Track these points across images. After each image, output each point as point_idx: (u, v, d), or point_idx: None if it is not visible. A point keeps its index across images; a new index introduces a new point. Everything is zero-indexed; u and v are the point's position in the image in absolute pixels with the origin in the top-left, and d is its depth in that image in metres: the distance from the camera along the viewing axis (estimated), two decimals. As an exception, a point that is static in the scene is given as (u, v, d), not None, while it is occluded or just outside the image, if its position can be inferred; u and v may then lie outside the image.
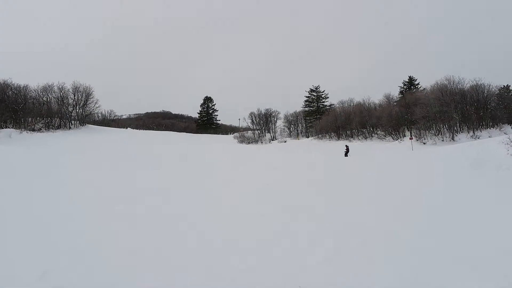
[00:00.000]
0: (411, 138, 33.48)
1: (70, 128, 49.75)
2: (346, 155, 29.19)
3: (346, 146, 31.64)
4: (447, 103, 36.88)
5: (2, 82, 45.24)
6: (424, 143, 36.03)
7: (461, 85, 38.83)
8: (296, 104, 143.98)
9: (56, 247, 4.53)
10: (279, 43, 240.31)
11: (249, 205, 8.56)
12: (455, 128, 36.72)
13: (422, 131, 38.74)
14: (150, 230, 5.94)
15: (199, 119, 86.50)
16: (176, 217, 7.12)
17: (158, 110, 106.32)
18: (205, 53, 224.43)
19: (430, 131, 38.65)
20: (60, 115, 49.64)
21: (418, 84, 61.19)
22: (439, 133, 37.76)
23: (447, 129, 37.24)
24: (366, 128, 48.87)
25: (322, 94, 72.73)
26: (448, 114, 36.57)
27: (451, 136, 35.63)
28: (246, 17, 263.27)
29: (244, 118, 78.45)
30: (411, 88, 59.45)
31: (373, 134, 47.35)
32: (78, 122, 52.57)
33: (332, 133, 52.79)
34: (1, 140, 33.72)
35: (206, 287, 3.82)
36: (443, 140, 35.34)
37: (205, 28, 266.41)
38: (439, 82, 40.68)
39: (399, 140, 39.93)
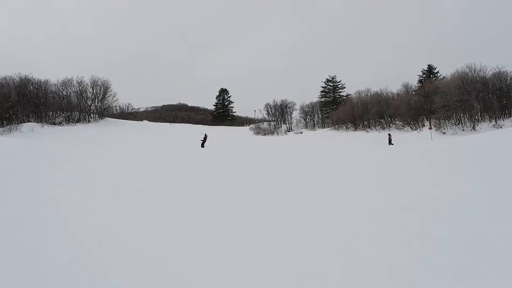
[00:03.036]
0: (430, 128, 32.93)
1: (89, 121, 50.93)
2: (389, 143, 26.41)
3: (389, 135, 28.95)
4: (468, 91, 36.05)
5: (23, 77, 46.64)
6: (444, 133, 35.49)
7: (483, 73, 37.91)
8: (312, 95, 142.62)
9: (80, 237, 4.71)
10: (296, 33, 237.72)
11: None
12: (476, 117, 35.92)
13: (441, 121, 38.04)
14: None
15: (215, 111, 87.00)
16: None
17: (174, 102, 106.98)
18: (220, 44, 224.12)
19: (450, 121, 37.95)
20: (79, 108, 50.87)
21: (437, 72, 59.84)
22: (459, 122, 37.05)
23: (468, 119, 36.51)
24: (384, 118, 48.24)
25: (339, 85, 71.92)
26: (469, 103, 35.81)
27: (472, 126, 34.94)
28: (259, 8, 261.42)
29: (260, 110, 78.41)
30: (430, 77, 58.13)
31: (391, 125, 46.74)
32: (97, 115, 53.64)
33: (349, 123, 52.30)
34: (24, 133, 34.89)
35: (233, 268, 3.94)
36: (463, 130, 34.71)
37: (219, 19, 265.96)
38: (459, 70, 39.74)
39: (418, 130, 39.35)
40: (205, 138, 25.92)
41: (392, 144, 25.89)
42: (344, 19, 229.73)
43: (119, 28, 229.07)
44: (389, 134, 29.52)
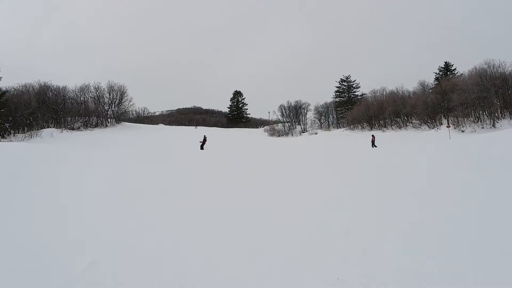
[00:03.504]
0: (448, 126, 32.02)
1: (106, 126, 51.92)
2: (373, 145, 26.76)
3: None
4: (487, 88, 35.05)
5: (43, 84, 48.09)
6: (462, 131, 34.60)
7: (502, 69, 36.61)
8: (327, 95, 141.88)
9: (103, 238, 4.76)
10: (309, 33, 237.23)
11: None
12: (496, 114, 34.86)
13: (460, 119, 37.08)
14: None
15: (229, 114, 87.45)
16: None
17: (189, 106, 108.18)
18: (232, 46, 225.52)
19: (469, 118, 36.93)
20: (96, 113, 52.02)
21: (454, 69, 58.45)
22: (478, 120, 36.03)
23: (487, 116, 35.47)
24: (400, 117, 47.48)
25: (353, 84, 71.25)
26: (488, 99, 34.78)
27: (491, 123, 33.94)
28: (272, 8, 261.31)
29: (274, 111, 78.76)
30: (447, 74, 56.83)
31: (407, 123, 45.95)
32: (113, 120, 54.67)
33: (364, 123, 51.67)
34: (44, 139, 35.79)
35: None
36: (483, 128, 33.74)
37: (232, 22, 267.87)
38: (477, 66, 38.65)
39: (435, 128, 38.53)
40: (205, 140, 25.52)
41: (375, 146, 25.46)
42: (345, 21, 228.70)
43: (125, 35, 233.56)
44: (372, 136, 28.78)
